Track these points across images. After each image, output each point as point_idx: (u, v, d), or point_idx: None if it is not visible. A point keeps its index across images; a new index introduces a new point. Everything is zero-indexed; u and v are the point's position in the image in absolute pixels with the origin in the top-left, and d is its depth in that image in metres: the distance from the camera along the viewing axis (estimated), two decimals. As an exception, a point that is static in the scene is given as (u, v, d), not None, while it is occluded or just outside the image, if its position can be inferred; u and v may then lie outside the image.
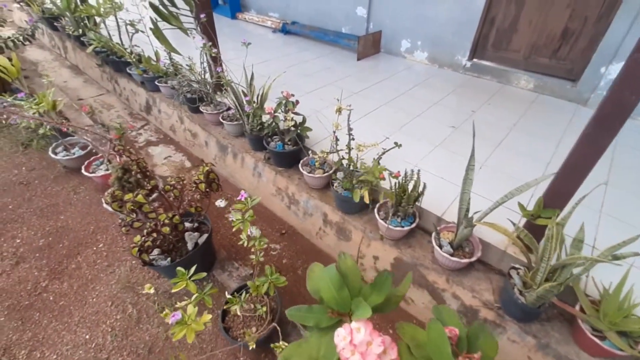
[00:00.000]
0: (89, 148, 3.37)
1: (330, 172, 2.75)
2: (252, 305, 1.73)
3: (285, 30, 6.27)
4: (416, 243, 2.41)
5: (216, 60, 3.53)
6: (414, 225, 2.29)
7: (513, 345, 1.94)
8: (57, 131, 3.28)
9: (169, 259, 2.05)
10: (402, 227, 2.28)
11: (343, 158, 2.51)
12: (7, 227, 2.77)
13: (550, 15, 3.76)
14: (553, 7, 3.71)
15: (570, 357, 1.76)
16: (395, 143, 2.29)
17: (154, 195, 2.05)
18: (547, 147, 3.10)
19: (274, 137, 3.05)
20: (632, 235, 1.53)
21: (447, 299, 2.20)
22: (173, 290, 1.47)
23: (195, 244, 2.17)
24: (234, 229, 1.57)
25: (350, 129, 2.43)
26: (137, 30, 4.26)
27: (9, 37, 4.14)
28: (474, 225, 1.96)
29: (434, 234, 2.19)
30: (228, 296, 1.56)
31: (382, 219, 2.33)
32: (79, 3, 5.17)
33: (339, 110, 2.44)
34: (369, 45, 5.15)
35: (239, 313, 1.47)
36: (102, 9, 4.25)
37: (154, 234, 1.81)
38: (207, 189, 1.99)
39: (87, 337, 2.01)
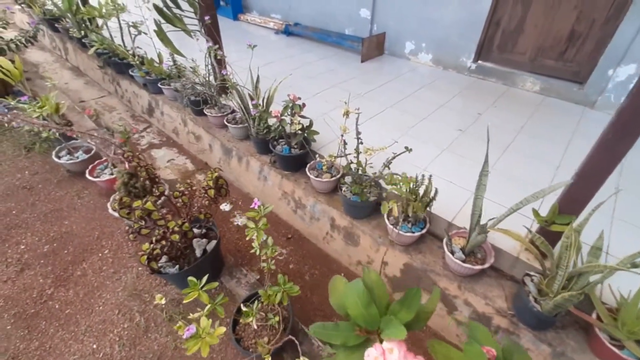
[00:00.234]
0: (92, 152, 3.33)
1: (338, 176, 2.72)
2: (264, 315, 1.70)
3: (287, 31, 6.24)
4: (426, 249, 2.38)
5: (221, 62, 3.50)
6: (424, 230, 2.26)
7: (528, 353, 1.91)
8: (60, 135, 3.25)
9: (177, 266, 2.02)
10: (413, 232, 2.25)
11: (351, 162, 2.48)
12: (11, 232, 2.73)
13: (557, 17, 3.73)
14: (560, 9, 3.68)
15: (587, 367, 1.74)
16: (406, 147, 2.25)
17: (160, 200, 2.01)
18: (555, 150, 3.07)
19: (280, 140, 3.02)
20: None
21: (459, 306, 2.18)
22: (185, 301, 1.43)
23: (203, 250, 2.13)
24: (247, 238, 1.53)
25: (358, 133, 2.40)
26: (139, 32, 4.23)
27: (11, 40, 4.10)
28: (487, 231, 1.93)
29: (445, 240, 2.16)
30: (244, 308, 1.52)
31: (392, 224, 2.30)
32: (80, 4, 5.14)
33: (347, 114, 2.42)
34: (373, 47, 5.13)
35: (254, 326, 1.44)
36: (104, 10, 4.22)
37: (163, 242, 1.78)
38: (217, 195, 1.96)
39: (95, 346, 1.97)
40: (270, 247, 1.60)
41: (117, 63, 4.75)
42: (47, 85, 3.29)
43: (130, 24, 4.08)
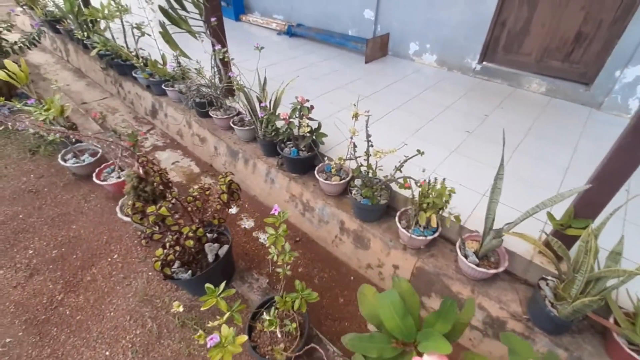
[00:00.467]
0: (98, 155, 3.30)
1: (347, 179, 2.71)
2: (280, 321, 1.68)
3: (290, 32, 6.22)
4: (438, 252, 2.37)
5: (226, 64, 3.48)
6: (436, 234, 2.25)
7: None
8: (66, 138, 3.22)
9: (189, 271, 2.00)
10: (425, 236, 2.24)
11: (361, 165, 2.47)
12: (19, 237, 2.71)
13: (564, 18, 3.73)
14: (566, 10, 3.68)
15: (605, 372, 1.73)
16: (418, 151, 2.24)
17: (169, 204, 1.99)
18: (563, 151, 3.07)
19: (288, 142, 3.00)
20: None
21: (472, 310, 2.16)
22: (203, 309, 1.42)
23: (215, 255, 2.11)
24: (267, 244, 1.51)
25: (369, 136, 2.39)
26: (143, 34, 4.20)
27: (15, 42, 4.07)
28: (502, 235, 1.92)
29: (458, 243, 2.15)
30: (267, 317, 1.50)
31: (404, 228, 2.29)
32: (81, 6, 5.11)
33: (356, 116, 2.40)
34: (377, 48, 5.11)
35: (279, 335, 1.43)
36: (106, 11, 4.19)
37: (177, 247, 1.76)
38: (229, 199, 1.94)
39: (107, 353, 1.95)
40: (287, 253, 1.59)
41: (120, 64, 4.72)
42: (53, 88, 3.26)
43: (134, 25, 4.05)
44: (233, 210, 3.30)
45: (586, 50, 3.72)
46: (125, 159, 2.25)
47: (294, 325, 1.58)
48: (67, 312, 2.18)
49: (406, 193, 2.50)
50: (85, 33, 4.82)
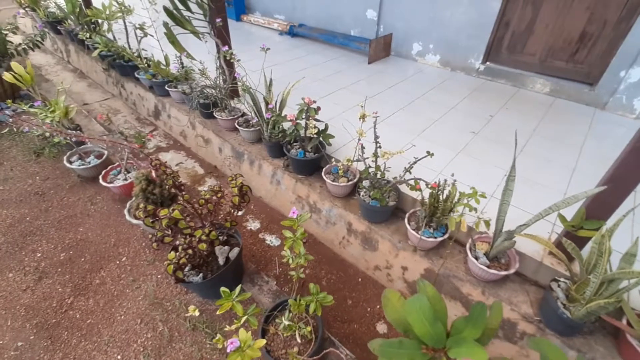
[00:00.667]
0: (104, 157, 3.29)
1: (355, 180, 2.71)
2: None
3: (292, 32, 6.21)
4: (447, 253, 2.37)
5: (231, 65, 3.48)
6: (446, 236, 2.25)
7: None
8: (73, 140, 3.21)
9: (200, 275, 1.99)
10: (435, 237, 2.23)
11: (370, 167, 2.47)
12: (26, 240, 2.70)
13: (568, 19, 3.73)
14: (571, 10, 3.68)
15: (618, 373, 1.73)
16: (428, 152, 2.24)
17: (181, 207, 1.99)
18: (570, 152, 3.07)
19: (295, 144, 2.99)
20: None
21: (483, 311, 2.16)
22: (219, 312, 1.41)
23: (226, 258, 2.11)
24: (285, 247, 1.51)
25: (377, 137, 2.39)
26: (145, 34, 4.19)
27: (19, 44, 4.06)
28: (514, 237, 1.93)
29: (469, 245, 2.15)
30: (286, 322, 1.50)
31: (414, 230, 2.29)
32: (83, 7, 5.10)
33: (363, 117, 2.40)
34: (380, 48, 5.11)
35: (298, 339, 1.42)
36: (107, 12, 4.18)
37: (189, 251, 1.76)
38: (240, 202, 1.94)
39: (119, 357, 1.94)
40: (302, 256, 1.58)
41: (122, 65, 4.71)
42: (58, 90, 3.24)
43: (137, 25, 4.04)
44: (239, 212, 3.29)
45: (591, 50, 3.73)
46: (135, 161, 2.23)
47: (309, 328, 1.58)
48: (78, 316, 2.17)
49: (414, 194, 2.51)
50: (88, 34, 4.80)
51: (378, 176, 2.46)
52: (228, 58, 3.15)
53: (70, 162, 3.21)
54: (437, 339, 0.80)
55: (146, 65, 4.29)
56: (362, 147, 2.47)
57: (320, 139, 2.88)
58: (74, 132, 2.62)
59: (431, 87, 4.31)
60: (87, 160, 3.24)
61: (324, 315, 2.37)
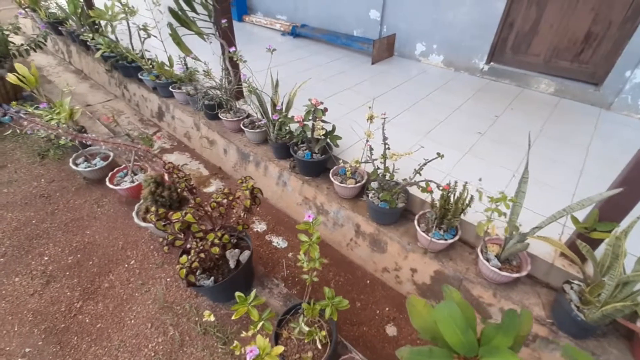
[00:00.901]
0: (110, 159, 3.27)
1: (363, 182, 2.70)
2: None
3: (294, 33, 6.19)
4: (457, 255, 2.36)
5: (237, 66, 3.46)
6: (457, 238, 2.24)
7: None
8: (80, 143, 3.19)
9: (211, 278, 1.98)
10: (446, 240, 2.23)
11: (378, 168, 2.45)
12: (33, 243, 2.68)
13: (573, 19, 3.73)
14: (576, 11, 3.68)
15: (633, 376, 1.72)
16: (438, 154, 2.23)
17: (193, 210, 1.97)
18: (576, 153, 3.06)
19: (301, 145, 2.98)
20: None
21: (494, 314, 2.15)
22: (234, 318, 1.40)
23: (236, 261, 2.09)
24: (301, 251, 1.50)
25: (385, 138, 2.37)
26: (149, 35, 4.17)
27: (22, 45, 4.03)
28: (526, 239, 1.92)
29: (480, 247, 2.14)
30: (305, 328, 1.49)
31: (424, 231, 2.28)
32: (84, 8, 5.07)
33: (371, 119, 2.39)
34: (384, 48, 5.10)
35: (319, 346, 1.41)
36: (110, 13, 4.15)
37: (202, 254, 1.75)
38: (252, 204, 1.93)
39: (130, 362, 1.94)
40: (316, 260, 1.57)
41: (125, 66, 4.69)
42: (64, 91, 3.21)
43: (141, 26, 4.02)
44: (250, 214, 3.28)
45: (596, 50, 3.73)
46: (144, 163, 2.21)
47: (323, 333, 1.57)
48: (87, 320, 2.16)
49: (423, 195, 2.49)
50: (90, 35, 4.78)
51: (387, 178, 2.45)
52: (235, 59, 3.14)
53: (76, 164, 3.18)
54: (469, 348, 0.79)
55: (150, 66, 4.27)
56: (371, 149, 2.46)
57: (328, 140, 2.87)
58: (87, 135, 2.59)
59: (435, 88, 4.30)
60: (93, 162, 3.22)
61: (338, 322, 2.36)
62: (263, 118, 3.16)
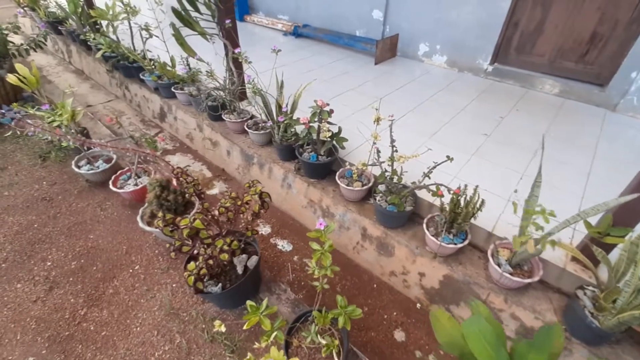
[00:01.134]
0: (113, 161, 3.23)
1: (370, 184, 2.67)
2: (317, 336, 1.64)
3: (296, 33, 6.15)
4: (466, 260, 2.33)
5: (240, 66, 3.42)
6: (466, 242, 2.22)
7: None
8: (81, 145, 3.15)
9: (219, 285, 1.95)
10: (455, 244, 2.20)
11: (386, 171, 2.42)
12: (35, 248, 2.63)
13: (578, 19, 3.70)
14: (581, 11, 3.65)
15: (648, 383, 1.70)
16: (447, 157, 2.20)
17: (202, 216, 1.94)
18: (583, 155, 3.04)
19: (307, 147, 2.95)
20: None
21: (505, 320, 2.13)
22: (245, 327, 1.37)
23: (244, 267, 2.06)
24: (313, 260, 1.47)
25: (393, 141, 2.34)
26: (150, 35, 4.13)
27: (21, 44, 3.98)
28: (539, 244, 1.89)
29: (491, 251, 2.11)
30: (322, 341, 1.45)
31: (432, 235, 2.25)
32: (85, 7, 5.02)
33: (378, 120, 2.36)
34: (387, 49, 5.07)
35: (336, 358, 1.38)
36: (111, 12, 4.11)
37: (210, 261, 1.71)
38: (260, 209, 1.89)
39: (137, 371, 1.90)
40: (328, 267, 1.54)
41: (127, 67, 4.64)
42: (64, 92, 3.17)
43: (143, 26, 3.98)
44: (249, 217, 3.24)
45: (601, 51, 3.70)
46: (151, 166, 2.18)
47: (336, 342, 1.54)
48: (92, 328, 2.11)
49: (431, 199, 2.47)
50: (92, 35, 4.73)
51: (395, 180, 2.42)
52: (240, 60, 3.10)
53: (79, 167, 3.14)
54: (501, 367, 0.76)
55: (152, 66, 4.23)
56: (378, 151, 2.43)
57: (334, 142, 2.83)
58: (95, 141, 2.56)
59: (439, 89, 4.27)
60: (96, 165, 3.18)
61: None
62: (268, 119, 3.12)
